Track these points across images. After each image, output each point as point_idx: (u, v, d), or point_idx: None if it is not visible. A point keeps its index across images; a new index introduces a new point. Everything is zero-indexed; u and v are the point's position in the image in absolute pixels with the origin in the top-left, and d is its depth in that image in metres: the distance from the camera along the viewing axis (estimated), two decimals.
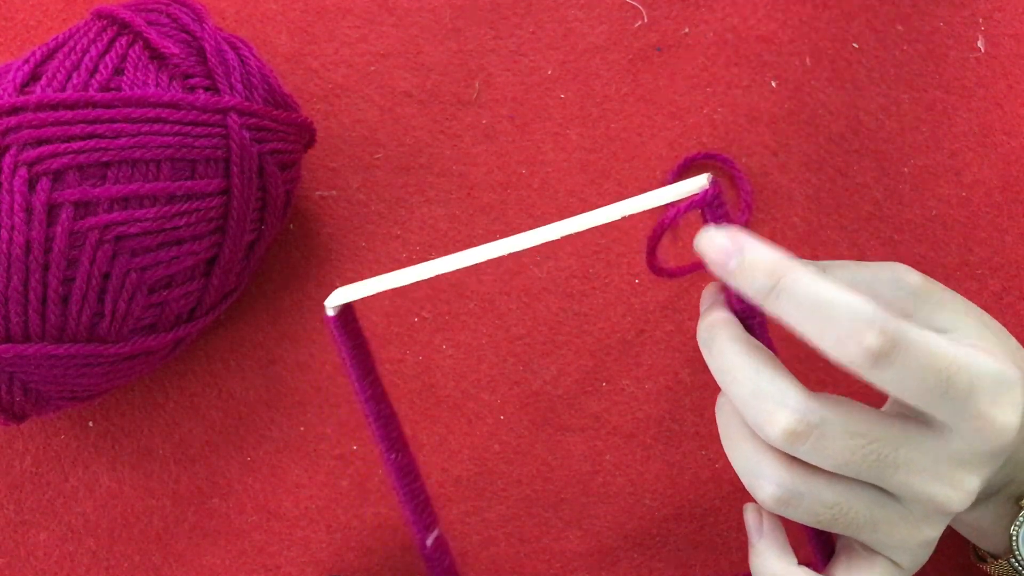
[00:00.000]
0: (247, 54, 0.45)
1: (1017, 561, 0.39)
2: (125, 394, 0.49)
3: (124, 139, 0.41)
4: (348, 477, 0.49)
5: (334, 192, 0.50)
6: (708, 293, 0.38)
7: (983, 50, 0.51)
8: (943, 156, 0.50)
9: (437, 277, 0.49)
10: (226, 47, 0.44)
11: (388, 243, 0.50)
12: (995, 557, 0.41)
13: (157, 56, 0.43)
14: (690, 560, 0.48)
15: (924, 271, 0.38)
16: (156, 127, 0.41)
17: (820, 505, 0.34)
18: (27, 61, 0.42)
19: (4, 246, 0.40)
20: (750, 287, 0.33)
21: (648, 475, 0.49)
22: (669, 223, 0.36)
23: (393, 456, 0.39)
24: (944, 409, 0.33)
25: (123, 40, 0.43)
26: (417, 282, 0.50)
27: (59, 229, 0.40)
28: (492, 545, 0.48)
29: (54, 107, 0.40)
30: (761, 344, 0.35)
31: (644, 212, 0.39)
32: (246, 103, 0.43)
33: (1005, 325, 0.40)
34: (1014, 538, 0.39)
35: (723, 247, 0.34)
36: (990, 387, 0.33)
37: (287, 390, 0.49)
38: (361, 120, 0.51)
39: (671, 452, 0.49)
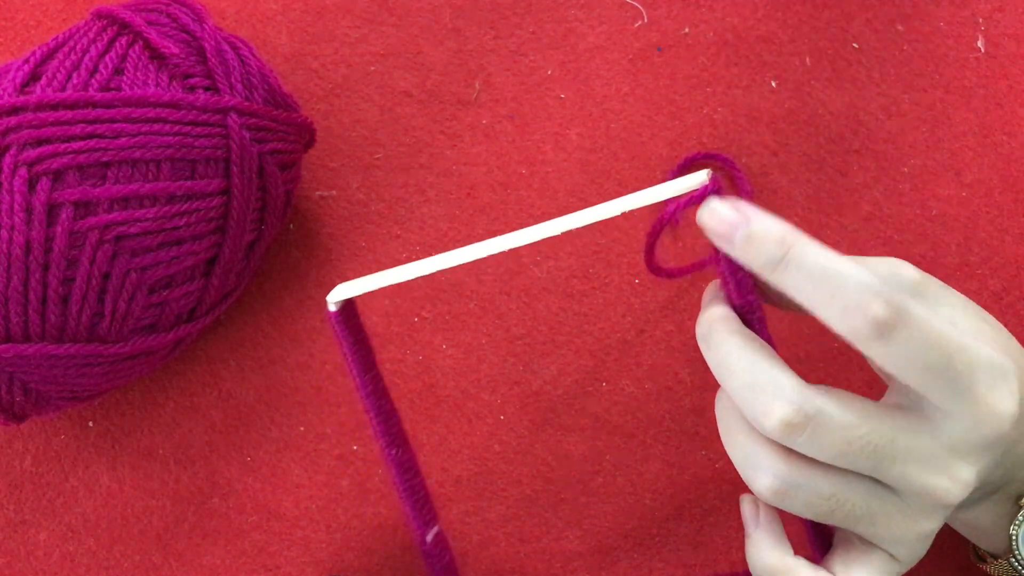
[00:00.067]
0: (247, 54, 0.45)
1: (1017, 560, 0.39)
2: (125, 394, 0.49)
3: (124, 139, 0.41)
4: (348, 477, 0.49)
5: (334, 192, 0.50)
6: (709, 291, 0.38)
7: (983, 50, 0.51)
8: (943, 156, 0.50)
9: (437, 277, 0.49)
10: (226, 47, 0.44)
11: (388, 243, 0.50)
12: (995, 557, 0.41)
13: (157, 56, 0.43)
14: (690, 560, 0.48)
15: (924, 271, 0.38)
16: (156, 127, 0.41)
17: (817, 497, 0.34)
18: (27, 61, 0.42)
19: (4, 246, 0.40)
20: (757, 258, 0.33)
21: (648, 475, 0.49)
22: (668, 219, 0.36)
23: (393, 452, 0.39)
24: (942, 391, 0.33)
25: (123, 40, 0.43)
26: (417, 282, 0.50)
27: (59, 229, 0.40)
28: (492, 545, 0.48)
29: (54, 107, 0.40)
30: (759, 337, 0.35)
31: (644, 213, 0.39)
32: (246, 103, 0.43)
33: (1005, 325, 0.40)
34: (1014, 537, 0.39)
35: (729, 219, 0.34)
36: (988, 373, 0.33)
37: (287, 390, 0.49)
38: (361, 120, 0.51)
39: (671, 452, 0.49)
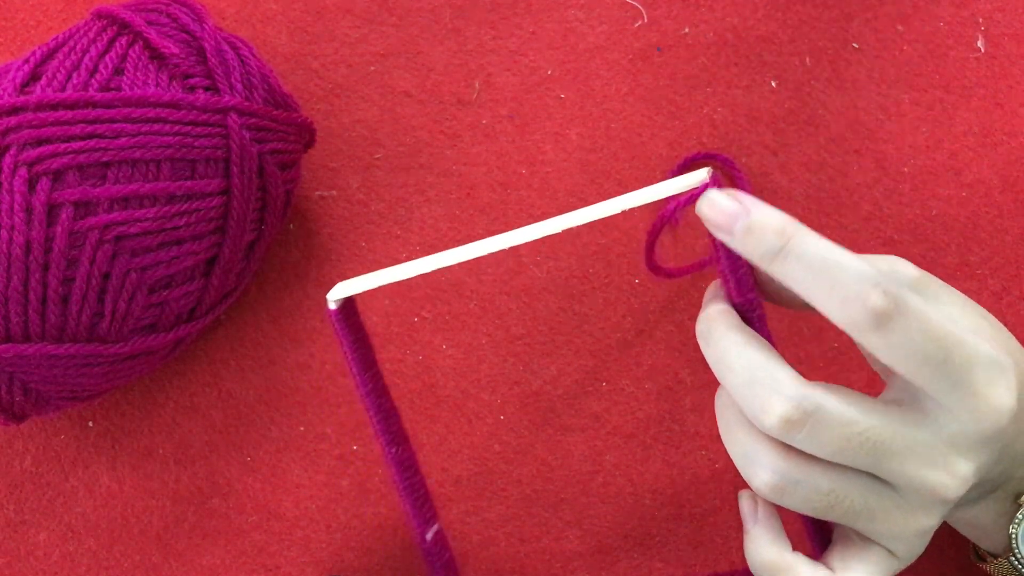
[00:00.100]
0: (247, 54, 0.45)
1: (1017, 559, 0.39)
2: (125, 394, 0.49)
3: (124, 139, 0.41)
4: (348, 477, 0.49)
5: (334, 192, 0.50)
6: (710, 291, 0.38)
7: (983, 50, 0.51)
8: (943, 156, 0.50)
9: (437, 277, 0.49)
10: (226, 47, 0.44)
11: (388, 243, 0.50)
12: (995, 556, 0.41)
13: (157, 56, 0.43)
14: (690, 560, 0.48)
15: (924, 271, 0.38)
16: (156, 127, 0.41)
17: (815, 492, 0.34)
18: (27, 61, 0.42)
19: (4, 246, 0.40)
20: (757, 248, 0.33)
21: (648, 475, 0.49)
22: (669, 217, 0.36)
23: (393, 450, 0.39)
24: (940, 384, 0.33)
25: (123, 40, 0.43)
26: (417, 282, 0.50)
27: (59, 229, 0.40)
28: (492, 545, 0.48)
29: (54, 107, 0.40)
30: (758, 334, 0.35)
31: (644, 213, 0.39)
32: (246, 103, 0.43)
33: (1005, 325, 0.40)
34: (1013, 536, 0.39)
35: (729, 209, 0.34)
36: (986, 367, 0.33)
37: (287, 390, 0.49)
38: (361, 120, 0.51)
39: (671, 452, 0.49)
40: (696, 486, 0.49)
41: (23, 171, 0.40)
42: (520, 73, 0.51)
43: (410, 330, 0.49)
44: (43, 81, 0.41)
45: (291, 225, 0.50)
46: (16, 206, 0.40)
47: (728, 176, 0.50)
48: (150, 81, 0.42)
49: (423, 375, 0.49)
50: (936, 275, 0.39)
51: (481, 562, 0.48)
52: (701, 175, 0.35)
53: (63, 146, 0.40)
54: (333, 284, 0.41)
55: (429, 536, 0.41)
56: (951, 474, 0.34)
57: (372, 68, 0.51)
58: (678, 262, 0.50)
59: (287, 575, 0.48)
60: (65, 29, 0.46)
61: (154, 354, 0.44)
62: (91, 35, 0.43)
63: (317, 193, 0.50)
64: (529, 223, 0.35)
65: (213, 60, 0.43)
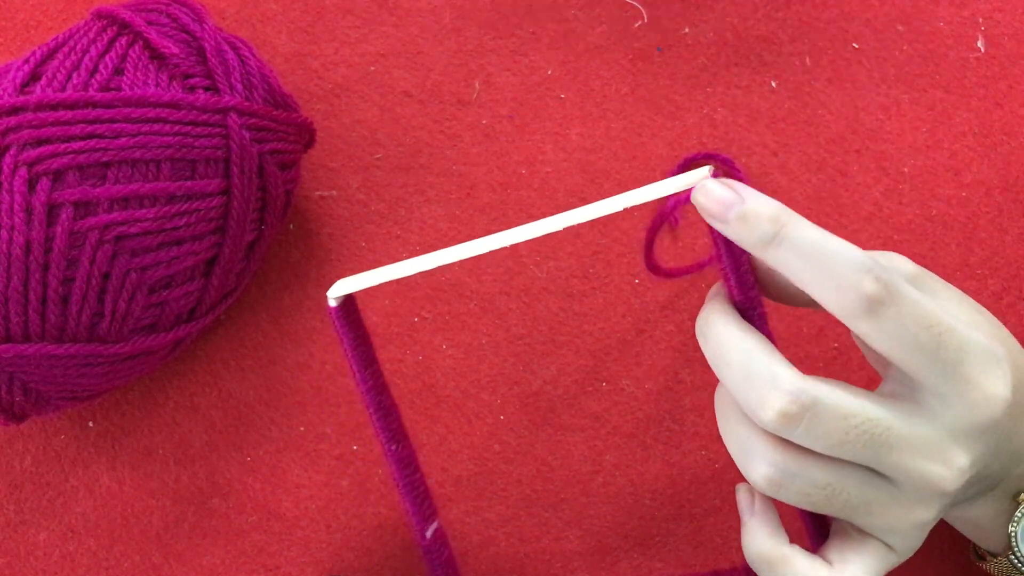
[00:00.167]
0: (247, 54, 0.45)
1: (1016, 558, 0.39)
2: (125, 394, 0.49)
3: (124, 139, 0.41)
4: (348, 477, 0.49)
5: (334, 192, 0.50)
6: (712, 291, 0.38)
7: (983, 50, 0.51)
8: (943, 156, 0.50)
9: (437, 277, 0.49)
10: (226, 47, 0.44)
11: (388, 243, 0.50)
12: (994, 555, 0.41)
13: (157, 56, 0.43)
14: (690, 560, 0.48)
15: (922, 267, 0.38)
16: (156, 127, 0.41)
17: (812, 486, 0.34)
18: (27, 61, 0.42)
19: (4, 246, 0.40)
20: (751, 236, 0.34)
21: (648, 475, 0.49)
22: (669, 213, 0.36)
23: (393, 447, 0.39)
24: (933, 372, 0.33)
25: (123, 40, 0.43)
26: (417, 282, 0.50)
27: (59, 229, 0.40)
28: (492, 545, 0.48)
29: (54, 107, 0.40)
30: (755, 329, 0.35)
31: (644, 214, 0.39)
32: (246, 103, 0.43)
33: (1005, 325, 0.40)
34: (1013, 535, 0.39)
35: (723, 197, 0.34)
36: (979, 355, 0.33)
37: (287, 390, 0.49)
38: (361, 120, 0.51)
39: (671, 452, 0.49)
40: (696, 486, 0.49)
41: (23, 171, 0.40)
42: (520, 73, 0.51)
43: (410, 330, 0.49)
44: (43, 81, 0.41)
45: (291, 225, 0.50)
46: (16, 206, 0.40)
47: (728, 176, 0.50)
48: (150, 81, 0.42)
49: (423, 375, 0.49)
50: (936, 275, 0.39)
51: (481, 562, 0.48)
52: (702, 173, 0.35)
53: (63, 146, 0.40)
54: (333, 284, 0.41)
55: (429, 534, 0.41)
56: (948, 466, 0.34)
57: (372, 68, 0.51)
58: (678, 262, 0.50)
59: (287, 575, 0.48)
60: (65, 29, 0.46)
61: (154, 354, 0.44)
62: (91, 35, 0.43)
63: (317, 193, 0.50)
64: (529, 223, 0.36)
65: (213, 60, 0.43)
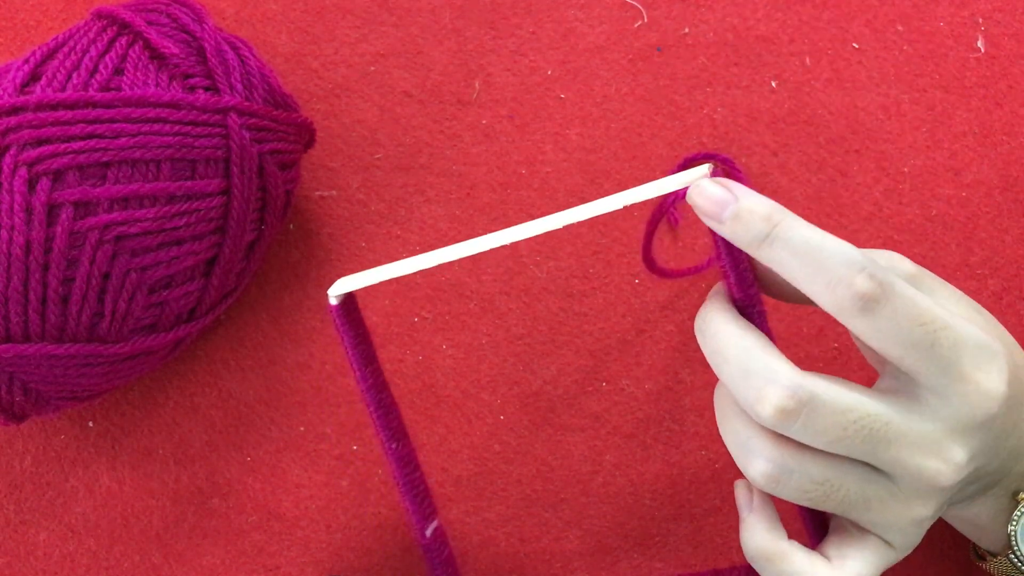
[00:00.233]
0: (247, 54, 0.45)
1: (1016, 556, 0.39)
2: (125, 394, 0.49)
3: (124, 139, 0.41)
4: (348, 477, 0.49)
5: (334, 192, 0.50)
6: (712, 291, 0.38)
7: (983, 50, 0.51)
8: (943, 156, 0.50)
9: (437, 277, 0.49)
10: (226, 47, 0.44)
11: (388, 243, 0.50)
12: (994, 554, 0.41)
13: (157, 56, 0.43)
14: (690, 560, 0.48)
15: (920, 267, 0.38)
16: (156, 127, 0.41)
17: (810, 482, 0.34)
18: (27, 61, 0.42)
19: (4, 246, 0.40)
20: (745, 235, 0.34)
21: (648, 475, 0.49)
22: (667, 209, 0.36)
23: (393, 446, 0.39)
24: (929, 368, 0.33)
25: (123, 40, 0.43)
26: (417, 282, 0.50)
27: (59, 229, 0.40)
28: (492, 545, 0.48)
29: (54, 107, 0.40)
30: (753, 326, 0.35)
31: (645, 214, 0.39)
32: (246, 103, 0.43)
33: (1005, 325, 0.40)
34: (1012, 534, 0.39)
35: (718, 196, 0.34)
36: (975, 351, 0.33)
37: (287, 390, 0.49)
38: (361, 120, 0.51)
39: (671, 452, 0.49)
40: (696, 486, 0.49)
41: (23, 171, 0.40)
42: (520, 73, 0.51)
43: (410, 330, 0.49)
44: (43, 81, 0.41)
45: (291, 225, 0.50)
46: (16, 206, 0.40)
47: (728, 176, 0.50)
48: (150, 81, 0.42)
49: (423, 375, 0.49)
50: (936, 275, 0.39)
51: (481, 562, 0.48)
52: (703, 171, 0.35)
53: (63, 146, 0.40)
54: (333, 283, 0.41)
55: (428, 532, 0.41)
56: (945, 461, 0.34)
57: (372, 68, 0.51)
58: (678, 262, 0.50)
59: (287, 575, 0.48)
60: (65, 29, 0.46)
61: (154, 354, 0.44)
62: (91, 35, 0.43)
63: (317, 193, 0.50)
64: (529, 221, 0.36)
65: (213, 60, 0.43)
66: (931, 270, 0.39)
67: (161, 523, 0.48)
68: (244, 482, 0.49)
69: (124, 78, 0.42)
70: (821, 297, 0.33)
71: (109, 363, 0.43)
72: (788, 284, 0.35)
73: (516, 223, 0.35)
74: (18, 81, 0.41)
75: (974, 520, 0.40)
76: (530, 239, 0.49)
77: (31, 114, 0.40)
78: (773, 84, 0.51)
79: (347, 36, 0.51)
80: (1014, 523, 0.39)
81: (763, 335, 0.35)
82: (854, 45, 0.51)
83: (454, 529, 0.48)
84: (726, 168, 0.50)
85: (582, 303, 0.49)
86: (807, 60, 0.51)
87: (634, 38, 0.51)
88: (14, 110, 0.40)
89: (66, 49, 0.43)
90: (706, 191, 0.34)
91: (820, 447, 0.34)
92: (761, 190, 0.50)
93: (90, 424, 0.49)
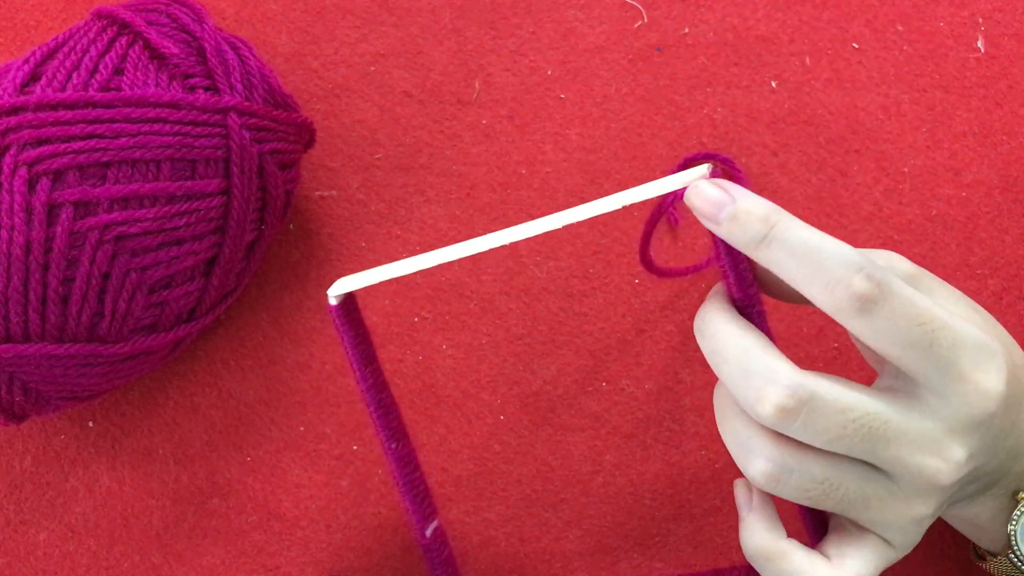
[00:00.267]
0: (247, 54, 0.45)
1: (1016, 556, 0.39)
2: (125, 394, 0.49)
3: (124, 139, 0.41)
4: (348, 477, 0.49)
5: (334, 192, 0.50)
6: (712, 291, 0.38)
7: (983, 50, 0.51)
8: (943, 156, 0.50)
9: (437, 277, 0.49)
10: (226, 47, 0.44)
11: (388, 243, 0.50)
12: (994, 554, 0.41)
13: (157, 56, 0.43)
14: (690, 560, 0.48)
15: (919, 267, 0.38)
16: (156, 127, 0.41)
17: (810, 481, 0.35)
18: (27, 61, 0.42)
19: (4, 246, 0.40)
20: (742, 236, 0.34)
21: (648, 475, 0.49)
22: (666, 208, 0.36)
23: (393, 446, 0.39)
24: (927, 367, 0.33)
25: (123, 40, 0.43)
26: (417, 282, 0.50)
27: (59, 229, 0.40)
28: (492, 545, 0.48)
29: (54, 107, 0.40)
30: (752, 325, 0.35)
31: (645, 214, 0.39)
32: (246, 103, 0.43)
33: (1005, 325, 0.40)
34: (1012, 533, 0.39)
35: (715, 198, 0.34)
36: (973, 350, 0.33)
37: (287, 390, 0.49)
38: (361, 120, 0.51)
39: (671, 452, 0.49)
40: (696, 486, 0.49)
41: (23, 171, 0.40)
42: (520, 73, 0.51)
43: (410, 330, 0.49)
44: (43, 81, 0.41)
45: (291, 225, 0.50)
46: (16, 206, 0.40)
47: (728, 176, 0.50)
48: (150, 81, 0.42)
49: (423, 375, 0.49)
50: (936, 275, 0.39)
51: (481, 562, 0.48)
52: (702, 170, 0.35)
53: (63, 146, 0.40)
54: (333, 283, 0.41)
55: (428, 532, 0.41)
56: (944, 459, 0.34)
57: (372, 68, 0.51)
58: (678, 262, 0.50)
59: (287, 575, 0.48)
60: (65, 29, 0.46)
61: (154, 354, 0.44)
62: (91, 35, 0.43)
63: (317, 193, 0.50)
64: (528, 221, 0.36)
65: (213, 60, 0.43)
66: (931, 270, 0.39)
67: (161, 523, 0.48)
68: (244, 482, 0.49)
69: (124, 78, 0.42)
70: (819, 298, 0.33)
71: (109, 363, 0.43)
72: (787, 284, 0.35)
73: (516, 223, 0.35)
74: (18, 81, 0.41)
75: (974, 520, 0.40)
76: (530, 239, 0.49)
77: (31, 114, 0.40)
78: (773, 84, 0.51)
79: (347, 36, 0.51)
80: (1014, 523, 0.39)
81: (763, 335, 0.35)
82: (854, 45, 0.51)
83: (454, 529, 0.48)
84: (726, 168, 0.50)
85: (582, 303, 0.49)
86: (807, 60, 0.51)
87: (634, 38, 0.51)
88: (14, 110, 0.40)
89: (66, 49, 0.43)
90: (703, 192, 0.34)
91: (820, 446, 0.34)
92: (761, 190, 0.50)
93: (90, 424, 0.49)
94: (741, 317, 0.36)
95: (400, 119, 0.51)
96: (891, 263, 0.37)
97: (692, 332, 0.49)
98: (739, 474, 0.38)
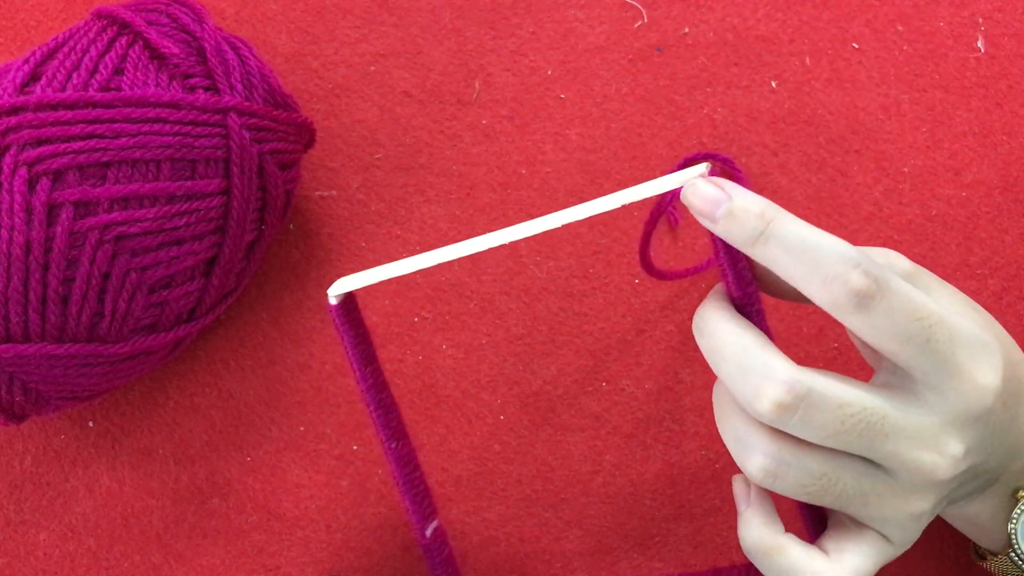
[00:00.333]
0: (247, 54, 0.45)
1: (1016, 555, 0.39)
2: (125, 394, 0.49)
3: (124, 139, 0.41)
4: (348, 477, 0.49)
5: (334, 192, 0.50)
6: (712, 291, 0.38)
7: (983, 50, 0.51)
8: (943, 156, 0.50)
9: (437, 277, 0.49)
10: (226, 47, 0.44)
11: (388, 243, 0.50)
12: (995, 553, 0.41)
13: (157, 56, 0.43)
14: (690, 560, 0.48)
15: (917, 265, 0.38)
16: (156, 127, 0.41)
17: (808, 476, 0.35)
18: (27, 61, 0.42)
19: (4, 246, 0.40)
20: (739, 232, 0.34)
21: (648, 475, 0.49)
22: (665, 209, 0.36)
23: (393, 445, 0.39)
24: (924, 362, 0.33)
25: (123, 40, 0.43)
26: (417, 282, 0.50)
27: (59, 229, 0.40)
28: (492, 545, 0.48)
29: (54, 107, 0.40)
30: (750, 322, 0.35)
31: (645, 214, 0.39)
32: (246, 103, 0.43)
33: (1005, 325, 0.40)
34: (1012, 532, 0.39)
35: (711, 195, 0.34)
36: (969, 345, 0.34)
37: (287, 390, 0.49)
38: (361, 120, 0.51)
39: (671, 452, 0.49)
40: (696, 486, 0.49)
41: (23, 171, 0.40)
42: (520, 73, 0.51)
43: (410, 330, 0.49)
44: (43, 81, 0.41)
45: (291, 225, 0.50)
46: (16, 206, 0.40)
47: (728, 176, 0.50)
48: (150, 81, 0.42)
49: (423, 375, 0.49)
50: (936, 275, 0.39)
51: (481, 562, 0.48)
52: (700, 169, 0.35)
53: (63, 146, 0.40)
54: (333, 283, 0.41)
55: (428, 532, 0.41)
56: (942, 454, 0.34)
57: (372, 68, 0.51)
58: (678, 262, 0.50)
59: (287, 575, 0.48)
60: (65, 29, 0.46)
61: (154, 354, 0.44)
62: (91, 35, 0.43)
63: (317, 193, 0.50)
64: (528, 220, 0.36)
65: (213, 60, 0.43)
66: (931, 270, 0.39)
67: (161, 523, 0.48)
68: (244, 482, 0.49)
69: (124, 78, 0.42)
70: (817, 294, 0.33)
71: (109, 363, 0.43)
72: (786, 282, 0.35)
73: (516, 223, 0.35)
74: (18, 81, 0.41)
75: (974, 519, 0.40)
76: (530, 239, 0.49)
77: (31, 114, 0.40)
78: (773, 84, 0.51)
79: (347, 36, 0.51)
80: (1014, 521, 0.39)
81: (761, 332, 0.35)
82: (854, 45, 0.51)
83: (454, 529, 0.48)
84: (726, 168, 0.50)
85: (582, 303, 0.49)
86: (807, 60, 0.51)
87: (634, 38, 0.51)
88: (14, 110, 0.40)
89: (66, 49, 0.43)
90: (700, 190, 0.34)
91: (818, 442, 0.34)
92: (761, 190, 0.50)
93: (90, 424, 0.49)
94: (739, 315, 0.36)
95: (400, 119, 0.51)
96: (889, 261, 0.37)
97: (692, 332, 0.49)
98: (739, 473, 0.38)
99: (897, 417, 0.34)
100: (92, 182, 0.40)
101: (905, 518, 0.36)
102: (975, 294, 0.49)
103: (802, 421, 0.33)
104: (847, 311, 0.33)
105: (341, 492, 0.49)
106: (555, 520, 0.49)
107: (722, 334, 0.35)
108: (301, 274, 0.50)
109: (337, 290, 0.37)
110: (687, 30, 0.51)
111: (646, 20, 0.51)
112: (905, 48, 0.51)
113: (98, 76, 0.42)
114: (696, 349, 0.48)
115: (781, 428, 0.34)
